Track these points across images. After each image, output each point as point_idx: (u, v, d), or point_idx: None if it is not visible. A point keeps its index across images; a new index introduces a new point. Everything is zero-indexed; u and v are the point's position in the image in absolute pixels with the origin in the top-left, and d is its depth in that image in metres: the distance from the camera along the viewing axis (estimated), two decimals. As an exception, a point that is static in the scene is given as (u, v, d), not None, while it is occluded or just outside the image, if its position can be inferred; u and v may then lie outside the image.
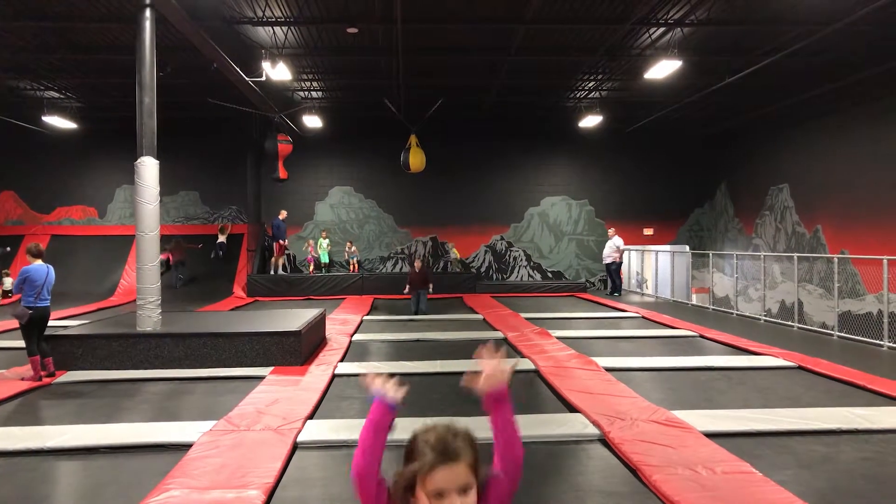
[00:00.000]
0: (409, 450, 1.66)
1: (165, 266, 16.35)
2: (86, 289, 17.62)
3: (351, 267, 19.59)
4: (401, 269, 20.27)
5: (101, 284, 18.19)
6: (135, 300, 9.14)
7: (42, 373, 7.58)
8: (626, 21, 11.60)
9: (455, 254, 20.25)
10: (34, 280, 7.51)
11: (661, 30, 12.17)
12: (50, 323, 7.94)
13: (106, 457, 5.00)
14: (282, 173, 17.31)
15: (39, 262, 7.69)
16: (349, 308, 14.73)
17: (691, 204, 21.44)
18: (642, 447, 4.90)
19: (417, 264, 14.37)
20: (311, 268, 19.28)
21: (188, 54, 12.59)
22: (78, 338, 8.20)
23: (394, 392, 1.81)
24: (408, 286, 14.15)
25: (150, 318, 8.61)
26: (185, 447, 5.01)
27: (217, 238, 18.80)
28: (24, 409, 6.58)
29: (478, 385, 1.81)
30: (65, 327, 9.58)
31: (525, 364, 8.26)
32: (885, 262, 9.95)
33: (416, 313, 13.66)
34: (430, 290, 14.27)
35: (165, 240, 15.01)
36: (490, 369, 1.81)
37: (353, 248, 19.95)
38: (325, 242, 19.44)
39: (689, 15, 11.47)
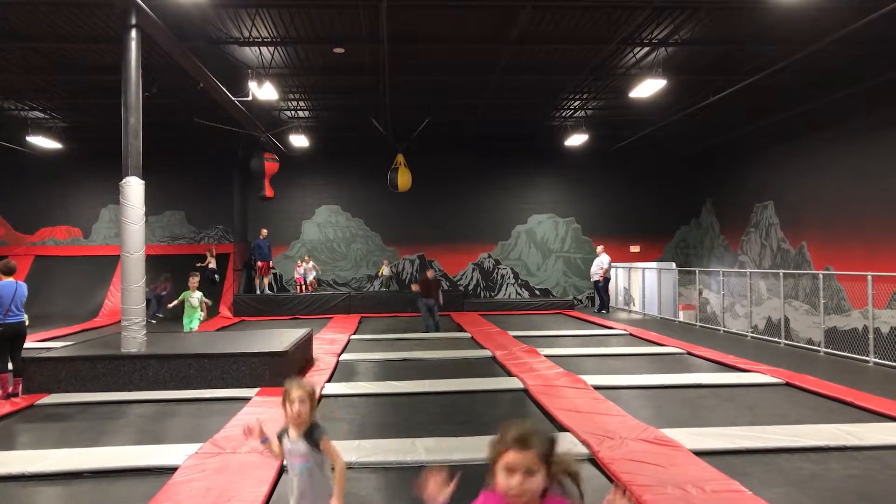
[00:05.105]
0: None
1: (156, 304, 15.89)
2: (70, 310, 17.42)
3: (298, 287, 19.17)
4: (388, 286, 20.22)
5: (86, 305, 17.99)
6: (119, 321, 9.02)
7: (10, 389, 7.52)
8: (611, 41, 11.72)
9: (387, 270, 20.17)
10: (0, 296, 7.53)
11: (646, 49, 12.32)
12: (33, 345, 7.86)
13: (90, 481, 4.91)
14: (268, 191, 17.26)
15: (10, 279, 7.72)
16: (336, 327, 14.65)
17: (677, 221, 21.58)
18: (631, 466, 4.88)
19: (430, 273, 14.09)
20: (298, 287, 19.21)
21: (174, 74, 12.57)
22: (61, 360, 8.08)
23: (442, 496, 2.08)
24: (420, 298, 13.70)
25: (135, 339, 8.50)
26: (171, 471, 4.94)
27: (206, 262, 18.44)
28: (4, 432, 6.46)
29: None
30: (48, 349, 9.44)
31: (513, 383, 8.23)
32: (869, 278, 10.03)
33: (434, 330, 13.33)
34: (441, 302, 13.97)
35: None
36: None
37: (311, 264, 19.55)
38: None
39: (674, 34, 11.62)
